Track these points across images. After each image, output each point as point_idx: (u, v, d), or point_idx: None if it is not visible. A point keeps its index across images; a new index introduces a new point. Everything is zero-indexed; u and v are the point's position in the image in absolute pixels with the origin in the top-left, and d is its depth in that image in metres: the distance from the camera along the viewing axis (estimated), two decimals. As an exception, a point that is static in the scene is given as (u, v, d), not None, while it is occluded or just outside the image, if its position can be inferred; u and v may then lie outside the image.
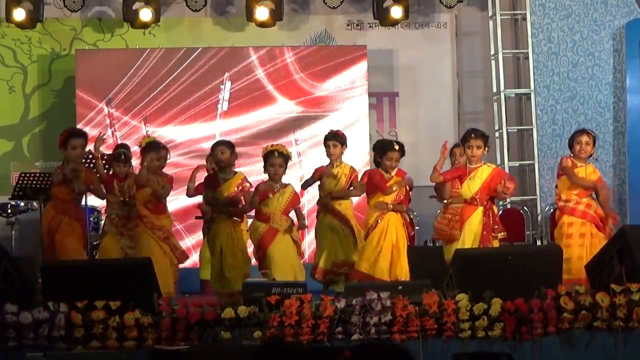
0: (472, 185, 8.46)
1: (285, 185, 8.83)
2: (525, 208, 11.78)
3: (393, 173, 9.15)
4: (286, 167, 8.83)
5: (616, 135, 12.06)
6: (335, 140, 9.36)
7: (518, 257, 6.92)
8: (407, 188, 9.15)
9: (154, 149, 8.83)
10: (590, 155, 8.87)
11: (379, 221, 8.97)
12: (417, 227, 10.96)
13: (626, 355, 6.55)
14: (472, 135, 8.56)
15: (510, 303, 6.54)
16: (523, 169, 12.13)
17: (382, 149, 9.14)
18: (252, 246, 8.88)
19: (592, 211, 8.76)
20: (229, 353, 6.22)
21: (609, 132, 12.04)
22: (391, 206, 9.01)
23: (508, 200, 11.54)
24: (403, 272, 8.85)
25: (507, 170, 11.61)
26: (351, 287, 7.25)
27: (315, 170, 9.49)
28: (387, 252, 8.93)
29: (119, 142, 11.31)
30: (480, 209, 8.42)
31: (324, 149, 9.46)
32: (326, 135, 9.50)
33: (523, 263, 6.81)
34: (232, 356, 6.13)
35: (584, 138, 8.86)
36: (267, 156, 8.81)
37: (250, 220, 9.13)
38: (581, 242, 8.67)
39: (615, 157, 11.98)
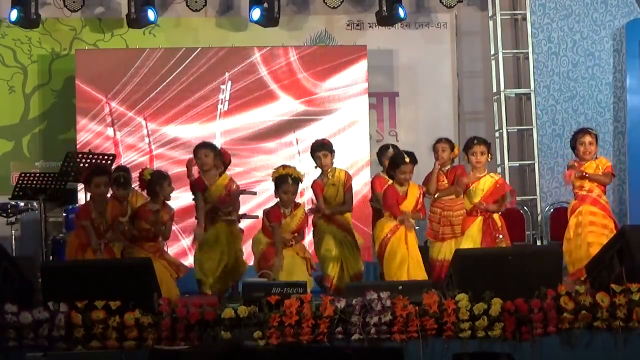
0: (473, 197, 8.44)
1: (296, 207, 8.70)
2: (525, 208, 11.77)
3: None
4: (298, 190, 8.69)
5: (616, 135, 12.06)
6: (324, 150, 9.12)
7: (518, 257, 6.91)
8: (422, 193, 8.83)
9: (163, 177, 8.59)
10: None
11: (395, 232, 8.59)
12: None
13: (626, 355, 6.54)
14: (475, 141, 8.52)
15: (510, 303, 6.53)
16: (523, 169, 12.12)
17: (395, 164, 8.70)
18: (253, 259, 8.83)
19: (609, 208, 8.72)
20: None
21: (609, 132, 12.04)
22: (404, 216, 8.56)
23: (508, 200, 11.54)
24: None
25: (507, 170, 11.65)
26: (351, 287, 7.24)
27: (315, 186, 9.19)
28: (414, 251, 8.65)
29: (119, 141, 11.32)
30: (480, 219, 8.40)
31: (324, 148, 9.35)
32: (313, 147, 9.20)
33: (523, 263, 6.81)
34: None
35: (587, 138, 8.75)
36: (280, 181, 8.58)
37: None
38: (604, 232, 8.50)
39: (615, 157, 11.97)
